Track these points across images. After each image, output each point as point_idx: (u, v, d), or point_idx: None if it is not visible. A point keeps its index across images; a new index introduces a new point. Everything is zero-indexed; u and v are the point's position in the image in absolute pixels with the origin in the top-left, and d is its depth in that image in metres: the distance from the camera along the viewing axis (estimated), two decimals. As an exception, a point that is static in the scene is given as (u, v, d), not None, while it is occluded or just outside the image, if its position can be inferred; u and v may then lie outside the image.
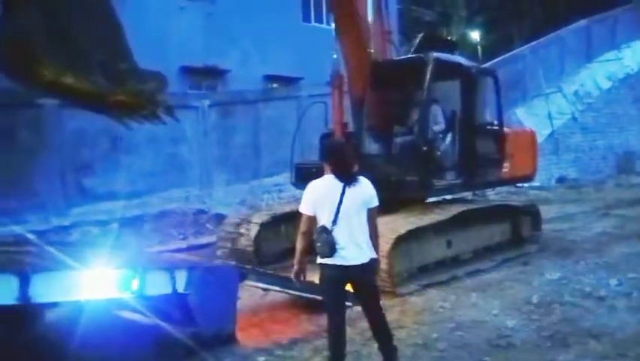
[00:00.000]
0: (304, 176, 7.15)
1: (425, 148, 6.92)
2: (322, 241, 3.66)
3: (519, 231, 8.31)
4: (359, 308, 5.38)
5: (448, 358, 4.35)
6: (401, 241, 6.13)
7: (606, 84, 21.25)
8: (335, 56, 7.77)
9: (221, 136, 12.34)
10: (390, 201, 6.52)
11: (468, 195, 8.44)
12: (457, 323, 5.06)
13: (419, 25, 22.39)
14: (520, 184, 10.73)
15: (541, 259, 7.55)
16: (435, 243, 6.90)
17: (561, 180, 17.47)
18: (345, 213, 3.68)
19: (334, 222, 3.66)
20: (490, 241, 7.81)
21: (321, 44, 17.92)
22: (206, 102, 12.25)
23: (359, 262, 3.70)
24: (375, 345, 4.05)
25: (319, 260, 3.76)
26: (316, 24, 19.02)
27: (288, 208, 7.53)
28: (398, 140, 7.34)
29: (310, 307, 5.34)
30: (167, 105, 3.59)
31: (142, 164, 10.74)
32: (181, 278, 4.21)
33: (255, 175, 12.71)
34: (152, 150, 11.01)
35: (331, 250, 3.64)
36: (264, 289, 5.66)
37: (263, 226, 7.36)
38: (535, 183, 12.85)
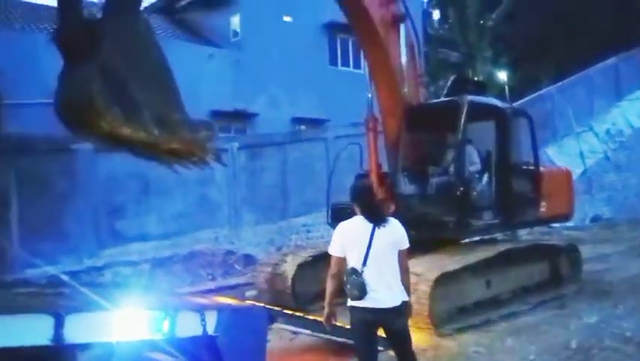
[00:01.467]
0: (340, 216, 7.07)
1: (462, 188, 6.95)
2: (352, 283, 3.61)
3: (559, 271, 8.16)
4: (392, 353, 5.31)
5: (484, 405, 4.19)
6: (441, 281, 6.10)
7: (638, 122, 20.92)
8: (369, 95, 7.91)
9: (250, 178, 12.50)
10: (426, 242, 6.75)
11: (499, 235, 8.33)
12: (493, 369, 4.90)
13: (445, 66, 22.53)
14: (554, 224, 10.49)
15: (578, 302, 7.31)
16: (475, 283, 6.83)
17: (595, 219, 17.06)
18: (375, 255, 3.64)
19: (364, 263, 3.62)
20: (530, 281, 7.72)
21: (347, 87, 18.36)
22: (235, 145, 12.47)
23: (390, 305, 3.64)
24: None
25: (350, 303, 3.71)
26: (343, 67, 19.39)
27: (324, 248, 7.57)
28: (434, 180, 7.42)
29: (340, 352, 5.24)
30: (216, 152, 3.69)
31: (172, 206, 10.91)
32: (211, 320, 4.18)
33: (282, 216, 12.76)
34: (182, 192, 11.19)
35: (361, 292, 3.59)
36: (294, 332, 5.60)
37: (300, 266, 7.42)
38: (569, 223, 12.55)
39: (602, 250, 11.27)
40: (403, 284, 3.77)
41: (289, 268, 7.46)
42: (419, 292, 5.94)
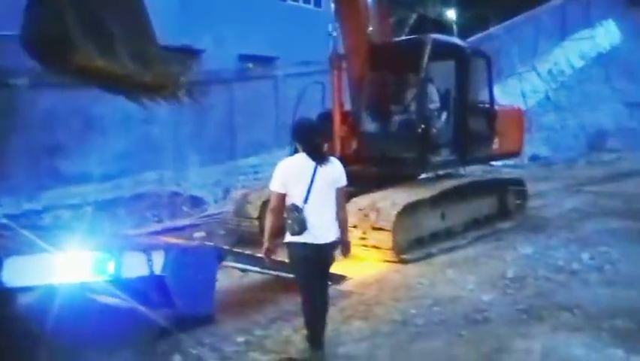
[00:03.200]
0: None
1: (423, 126, 7.16)
2: (293, 218, 3.71)
3: (505, 204, 8.66)
4: (339, 287, 5.47)
5: (426, 333, 4.41)
6: (403, 213, 6.43)
7: (579, 63, 21.52)
8: (334, 34, 7.97)
9: (196, 116, 12.15)
10: (386, 177, 7.16)
11: (456, 170, 8.60)
12: (435, 299, 5.13)
13: (397, 4, 22.29)
14: (494, 163, 10.86)
15: (515, 235, 7.68)
16: (431, 216, 7.18)
17: (534, 158, 17.68)
18: (315, 192, 3.74)
19: (305, 200, 3.72)
20: (480, 213, 8.14)
21: (297, 24, 17.87)
22: (180, 82, 12.03)
23: (328, 241, 3.80)
24: (354, 324, 4.09)
25: (288, 239, 3.81)
26: (292, 2, 18.80)
27: None
28: (396, 118, 7.65)
29: (289, 287, 5.34)
30: (189, 88, 3.65)
31: (115, 145, 10.53)
32: (158, 260, 4.16)
33: (230, 156, 12.61)
34: (125, 130, 10.79)
35: (301, 227, 3.70)
36: (242, 270, 5.65)
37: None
38: (509, 162, 13.02)
39: (539, 188, 11.77)
40: (340, 220, 3.91)
41: (256, 198, 7.55)
42: (383, 223, 6.29)
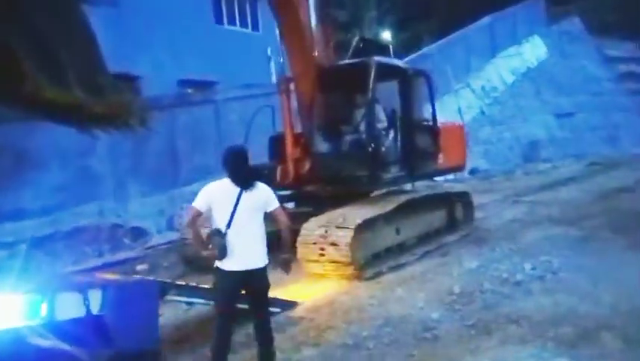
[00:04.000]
0: (256, 178, 7.51)
1: (372, 145, 7.44)
2: (214, 243, 3.72)
3: (454, 216, 9.01)
4: (289, 314, 5.37)
5: (377, 356, 4.38)
6: (360, 229, 6.59)
7: (510, 78, 22.46)
8: (280, 59, 8.22)
9: (135, 145, 11.81)
10: (340, 195, 7.43)
11: (405, 187, 8.84)
12: (385, 319, 5.12)
13: (334, 25, 22.66)
14: (437, 177, 11.11)
15: (459, 249, 7.83)
16: (387, 231, 7.37)
17: (473, 171, 18.21)
18: (239, 218, 3.74)
19: (228, 225, 3.72)
20: (431, 227, 8.40)
21: (236, 47, 17.82)
22: (117, 110, 11.69)
23: (252, 267, 3.77)
24: (305, 351, 4.01)
25: (215, 263, 3.80)
26: (229, 26, 18.76)
27: None
28: (347, 138, 7.91)
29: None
30: (142, 115, 3.61)
31: (50, 179, 10.06)
32: (95, 299, 3.94)
33: (173, 184, 12.28)
34: (60, 163, 10.34)
35: (221, 253, 3.70)
36: (188, 303, 5.47)
37: None
38: (449, 176, 13.34)
39: (480, 200, 12.11)
40: (284, 240, 3.96)
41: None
42: (340, 240, 6.41)
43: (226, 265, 3.75)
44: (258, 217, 3.85)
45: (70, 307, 3.85)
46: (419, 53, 20.08)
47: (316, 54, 7.95)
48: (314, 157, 7.85)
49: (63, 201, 10.20)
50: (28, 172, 9.88)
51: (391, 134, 8.22)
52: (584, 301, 5.18)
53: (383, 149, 7.75)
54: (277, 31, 8.04)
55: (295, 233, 6.88)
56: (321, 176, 7.76)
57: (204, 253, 3.86)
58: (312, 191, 7.89)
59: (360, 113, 7.93)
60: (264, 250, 3.87)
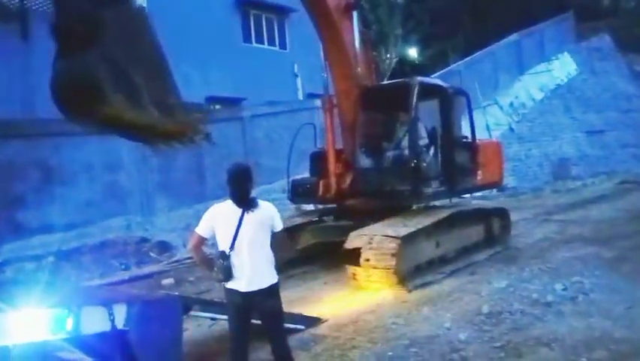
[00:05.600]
0: (300, 192, 8.37)
1: (415, 160, 7.68)
2: (219, 266, 3.71)
3: (491, 231, 9.12)
4: (313, 331, 5.30)
5: (403, 377, 4.27)
6: (404, 241, 6.78)
7: (539, 95, 22.19)
8: (325, 76, 8.53)
9: (162, 160, 11.98)
10: (380, 210, 7.69)
11: (445, 202, 8.96)
12: (411, 340, 5.01)
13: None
14: (468, 195, 11.00)
15: (488, 268, 7.66)
16: (426, 244, 7.54)
17: (501, 188, 17.95)
18: (242, 239, 3.70)
19: (232, 247, 3.69)
20: (469, 241, 8.51)
21: (263, 64, 18.02)
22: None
23: (257, 288, 3.72)
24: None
25: (225, 284, 3.81)
26: (257, 44, 19.00)
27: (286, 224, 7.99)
28: (389, 154, 8.23)
29: (259, 334, 5.16)
30: (207, 133, 3.80)
31: (78, 194, 10.25)
32: (120, 314, 3.94)
33: (199, 199, 12.37)
34: (88, 178, 10.55)
35: (226, 276, 3.69)
36: (212, 319, 5.43)
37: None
38: (478, 193, 13.13)
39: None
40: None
41: None
42: (386, 249, 6.61)
43: (232, 286, 3.73)
44: (262, 237, 3.78)
45: (96, 321, 3.84)
46: (446, 69, 20.01)
47: (358, 72, 8.23)
48: (356, 172, 8.13)
49: (91, 215, 10.38)
50: (57, 187, 10.09)
51: (432, 150, 8.48)
52: (619, 324, 4.99)
53: (425, 164, 7.96)
54: (322, 54, 8.42)
55: (336, 245, 7.21)
56: (363, 190, 8.02)
57: (213, 274, 3.83)
58: (352, 205, 8.16)
59: (401, 131, 8.24)
60: (271, 269, 3.81)
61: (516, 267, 7.50)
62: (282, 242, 4.04)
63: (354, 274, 6.91)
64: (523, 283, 6.60)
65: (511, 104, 20.96)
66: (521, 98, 21.57)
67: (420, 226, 7.21)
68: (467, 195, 12.12)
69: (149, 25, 3.59)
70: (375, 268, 6.67)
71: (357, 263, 6.81)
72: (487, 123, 18.98)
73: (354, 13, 8.25)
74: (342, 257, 6.98)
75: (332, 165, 8.09)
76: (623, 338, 4.66)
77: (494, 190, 17.28)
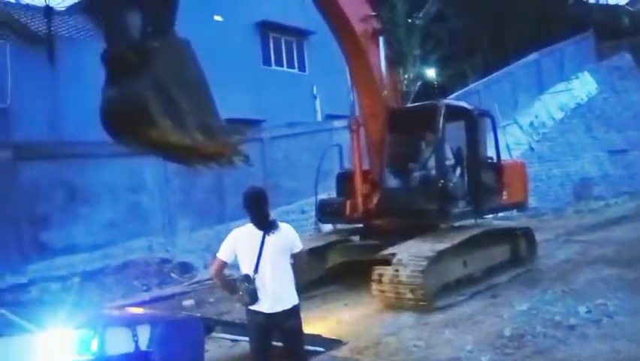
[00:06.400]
0: (328, 211, 8.51)
1: (442, 181, 7.84)
2: (244, 290, 3.75)
3: (518, 250, 9.11)
4: (333, 353, 5.30)
5: (424, 401, 4.24)
6: (433, 260, 6.89)
7: (559, 114, 22.03)
8: (352, 98, 8.72)
9: (184, 182, 12.14)
10: (406, 229, 7.81)
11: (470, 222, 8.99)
12: (432, 363, 4.97)
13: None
14: (489, 215, 10.95)
15: (509, 290, 7.57)
16: (454, 263, 7.61)
17: (522, 209, 17.73)
18: (265, 261, 3.75)
19: (255, 270, 3.74)
20: (495, 260, 8.53)
21: (282, 87, 18.24)
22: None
23: (280, 309, 3.77)
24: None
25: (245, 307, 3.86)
26: (276, 67, 19.25)
27: (315, 243, 8.24)
28: (416, 175, 8.27)
29: (281, 355, 5.17)
30: (245, 154, 3.97)
31: (102, 215, 10.43)
32: (143, 335, 4.00)
33: (219, 220, 12.49)
34: (112, 199, 10.73)
35: (252, 299, 3.74)
36: (233, 340, 5.47)
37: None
38: (500, 214, 13.02)
39: (531, 239, 11.76)
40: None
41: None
42: (415, 267, 6.73)
43: (255, 308, 3.77)
44: (283, 259, 3.85)
45: (120, 342, 3.91)
46: (465, 89, 20.01)
47: (385, 95, 8.37)
48: (383, 192, 8.23)
49: (114, 235, 10.53)
50: (81, 208, 10.28)
51: (458, 171, 8.60)
52: (645, 348, 4.90)
53: (451, 185, 8.06)
54: (348, 77, 8.58)
55: (363, 264, 7.32)
56: (390, 210, 8.11)
57: (235, 295, 3.89)
58: (380, 224, 8.25)
59: (428, 151, 8.31)
60: (293, 290, 3.86)
61: (538, 289, 7.41)
62: (302, 263, 4.08)
63: (381, 291, 6.95)
64: (546, 305, 6.52)
65: (531, 124, 20.83)
66: (541, 117, 21.44)
67: (446, 246, 7.28)
68: (490, 216, 12.11)
69: (192, 53, 3.80)
70: (403, 285, 6.75)
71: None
72: (507, 143, 18.87)
73: (381, 38, 8.42)
74: (370, 270, 7.05)
75: (359, 185, 8.28)
76: (650, 363, 4.58)
77: (515, 211, 17.15)
